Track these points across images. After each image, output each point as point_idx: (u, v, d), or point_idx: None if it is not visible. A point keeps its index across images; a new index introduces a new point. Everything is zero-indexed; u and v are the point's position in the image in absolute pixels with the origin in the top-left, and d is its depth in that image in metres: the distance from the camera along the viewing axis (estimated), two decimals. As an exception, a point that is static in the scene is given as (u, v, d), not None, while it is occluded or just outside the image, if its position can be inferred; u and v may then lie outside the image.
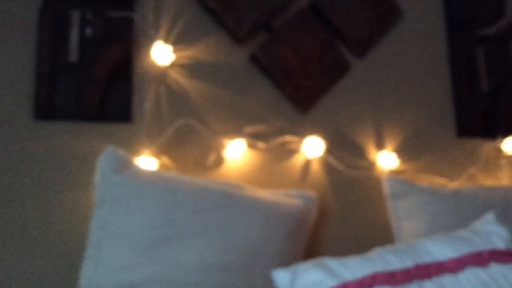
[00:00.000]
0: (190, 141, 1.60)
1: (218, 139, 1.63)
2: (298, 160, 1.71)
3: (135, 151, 1.53)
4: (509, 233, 1.19)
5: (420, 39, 1.93)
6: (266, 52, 1.70)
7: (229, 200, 1.41)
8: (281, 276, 1.06)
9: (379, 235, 1.72)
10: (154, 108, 1.59)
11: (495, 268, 1.09)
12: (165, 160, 1.56)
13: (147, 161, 1.51)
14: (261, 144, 1.67)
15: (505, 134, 1.91)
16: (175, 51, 1.62)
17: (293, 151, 1.71)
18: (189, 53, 1.65)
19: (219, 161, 1.62)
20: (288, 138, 1.71)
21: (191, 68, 1.65)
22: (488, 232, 1.20)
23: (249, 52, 1.71)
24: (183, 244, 1.33)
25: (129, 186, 1.36)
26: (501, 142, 1.90)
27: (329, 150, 1.73)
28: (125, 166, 1.41)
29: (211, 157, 1.62)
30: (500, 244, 1.16)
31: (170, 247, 1.32)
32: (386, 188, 1.71)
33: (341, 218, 1.72)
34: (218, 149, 1.62)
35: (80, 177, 1.49)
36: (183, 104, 1.62)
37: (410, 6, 1.93)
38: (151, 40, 1.61)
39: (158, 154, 1.55)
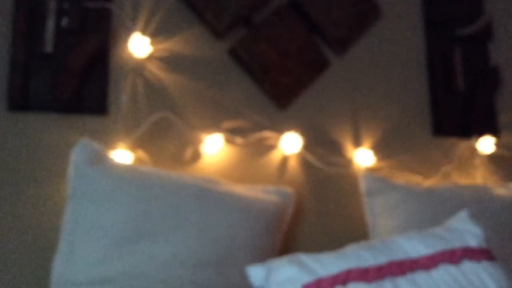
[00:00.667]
0: (167, 135, 1.59)
1: (195, 133, 1.61)
2: (275, 156, 1.71)
3: (110, 144, 1.51)
4: (481, 231, 1.20)
5: (399, 37, 1.94)
6: (246, 47, 1.69)
7: (205, 195, 1.40)
8: (255, 272, 1.06)
9: (355, 231, 1.73)
10: (131, 100, 1.57)
11: (468, 266, 1.10)
12: (141, 154, 1.54)
13: (122, 155, 1.50)
14: (238, 140, 1.66)
15: (480, 134, 1.93)
16: (153, 43, 1.60)
17: (270, 147, 1.71)
18: (167, 45, 1.63)
19: (196, 156, 1.61)
20: (266, 134, 1.70)
21: (169, 61, 1.63)
22: (461, 230, 1.21)
23: (229, 46, 1.70)
24: (157, 239, 1.32)
25: (103, 180, 1.34)
26: (476, 141, 1.93)
27: (306, 147, 1.74)
28: (100, 159, 1.39)
29: (188, 152, 1.61)
30: (472, 242, 1.17)
31: (144, 242, 1.31)
32: (362, 185, 1.72)
33: (318, 215, 1.72)
34: (195, 143, 1.61)
35: (53, 170, 1.46)
36: (160, 97, 1.60)
37: (389, 5, 1.94)
38: (129, 32, 1.58)
39: (133, 147, 1.53)
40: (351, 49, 1.86)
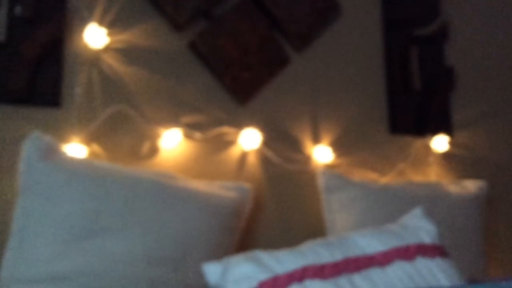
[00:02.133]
0: (123, 129, 1.56)
1: (153, 127, 1.58)
2: (234, 151, 1.70)
3: (63, 138, 1.47)
4: (435, 228, 1.23)
5: (358, 36, 1.96)
6: (206, 41, 1.67)
7: (161, 190, 1.38)
8: (211, 269, 1.05)
9: (313, 227, 1.74)
10: (86, 92, 1.53)
11: (421, 262, 1.12)
12: (96, 148, 1.51)
13: (76, 149, 1.46)
14: (197, 135, 1.64)
15: (434, 132, 1.98)
16: (109, 34, 1.56)
17: (230, 143, 1.70)
18: (124, 37, 1.59)
19: (153, 150, 1.58)
20: (225, 129, 1.69)
21: (127, 53, 1.59)
22: (416, 226, 1.23)
23: (188, 39, 1.67)
24: (112, 235, 1.29)
25: (55, 174, 1.30)
26: (430, 140, 1.97)
27: (266, 143, 1.73)
28: (52, 153, 1.35)
29: (145, 146, 1.58)
30: (426, 238, 1.20)
31: (98, 239, 1.28)
32: (321, 182, 1.73)
33: (276, 211, 1.73)
34: (153, 138, 1.58)
35: (4, 164, 1.42)
36: (116, 90, 1.57)
37: (349, 4, 1.95)
38: (85, 22, 1.54)
39: (88, 141, 1.50)
40: (311, 46, 1.87)
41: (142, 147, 1.57)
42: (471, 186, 1.87)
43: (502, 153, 2.08)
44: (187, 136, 1.63)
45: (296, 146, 1.79)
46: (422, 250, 1.15)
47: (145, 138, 1.58)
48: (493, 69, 2.15)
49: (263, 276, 0.99)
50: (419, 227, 1.23)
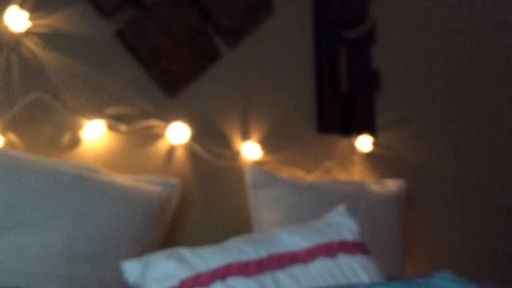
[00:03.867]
0: (43, 118, 1.48)
1: (75, 118, 1.52)
2: (162, 145, 1.67)
3: (-24, 126, 1.38)
4: (357, 225, 1.26)
5: (289, 35, 1.97)
6: (134, 30, 1.62)
7: (82, 184, 1.32)
8: (131, 267, 1.01)
9: (240, 224, 1.74)
10: (3, 78, 1.44)
11: (343, 259, 1.15)
12: (12, 137, 1.43)
13: (-10, 138, 1.37)
14: (123, 127, 1.59)
15: (359, 133, 2.03)
16: (31, 18, 1.48)
17: (157, 136, 1.66)
18: (47, 21, 1.52)
19: (75, 142, 1.52)
20: (153, 122, 1.65)
21: (49, 39, 1.52)
22: (339, 223, 1.26)
23: (116, 27, 1.61)
24: (27, 230, 1.23)
25: (-35, 165, 1.22)
26: (355, 139, 2.02)
27: (194, 138, 1.71)
28: (-37, 142, 1.26)
29: (66, 137, 1.51)
30: (348, 235, 1.22)
31: (12, 234, 1.22)
32: (248, 178, 1.73)
33: (203, 207, 1.71)
34: (74, 129, 1.52)
35: None
36: (37, 76, 1.49)
37: (281, 2, 1.96)
38: (5, 3, 1.45)
39: (4, 130, 1.42)
40: (243, 42, 1.86)
41: (63, 138, 1.50)
42: (392, 185, 1.94)
43: (421, 154, 2.18)
44: (112, 128, 1.57)
45: (224, 142, 1.77)
46: (344, 247, 1.17)
47: (66, 128, 1.51)
48: (416, 73, 2.24)
49: (185, 273, 0.97)
50: (342, 225, 1.25)
